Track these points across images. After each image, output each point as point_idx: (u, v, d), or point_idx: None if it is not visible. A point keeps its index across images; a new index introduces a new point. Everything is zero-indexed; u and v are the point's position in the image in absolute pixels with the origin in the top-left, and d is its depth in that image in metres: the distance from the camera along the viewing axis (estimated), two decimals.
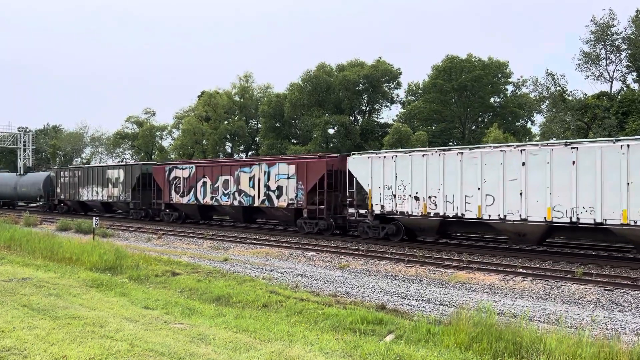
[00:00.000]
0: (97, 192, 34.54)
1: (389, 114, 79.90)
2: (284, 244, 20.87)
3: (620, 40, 30.38)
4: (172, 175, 28.88)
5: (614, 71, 31.33)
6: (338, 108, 43.47)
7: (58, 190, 38.37)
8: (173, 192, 28.81)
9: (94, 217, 22.20)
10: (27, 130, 68.22)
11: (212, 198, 26.72)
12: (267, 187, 24.00)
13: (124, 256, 15.26)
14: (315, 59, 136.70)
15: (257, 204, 24.57)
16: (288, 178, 23.18)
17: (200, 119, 51.23)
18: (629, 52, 30.29)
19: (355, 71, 42.42)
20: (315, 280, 14.13)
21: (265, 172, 24.14)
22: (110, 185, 33.43)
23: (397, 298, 12.06)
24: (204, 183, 27.06)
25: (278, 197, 23.61)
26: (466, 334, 7.58)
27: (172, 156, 54.27)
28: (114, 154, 66.09)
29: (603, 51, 30.92)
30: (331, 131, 43.16)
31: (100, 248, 15.99)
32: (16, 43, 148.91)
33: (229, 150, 52.84)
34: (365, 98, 45.13)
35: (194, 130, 49.59)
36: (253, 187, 24.65)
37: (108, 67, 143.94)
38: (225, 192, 25.93)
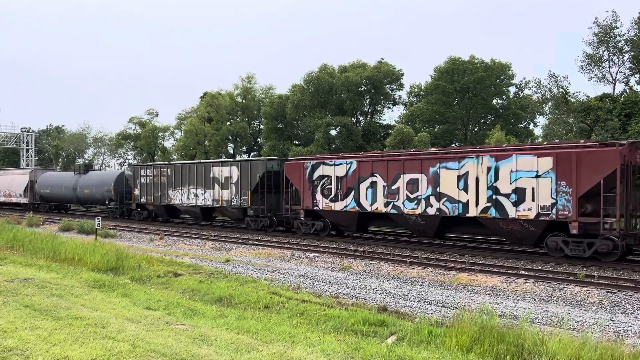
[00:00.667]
0: (195, 195, 28.20)
1: (391, 116, 79.86)
2: (285, 245, 20.87)
3: (623, 42, 30.34)
4: (317, 173, 22.51)
5: (616, 73, 31.29)
6: (340, 109, 43.50)
7: (137, 191, 31.75)
8: (319, 196, 22.47)
9: (96, 218, 22.16)
10: (30, 130, 68.42)
11: (387, 204, 20.13)
12: (495, 190, 17.34)
13: (126, 257, 15.28)
14: (316, 59, 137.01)
15: (472, 213, 17.90)
16: (537, 177, 16.46)
17: (202, 120, 51.33)
18: (632, 54, 30.24)
19: (358, 72, 42.45)
20: (317, 282, 14.13)
21: (489, 167, 17.48)
22: (216, 186, 27.15)
23: (398, 299, 12.05)
24: (373, 184, 20.62)
25: (516, 204, 16.88)
26: (468, 335, 7.57)
27: (175, 157, 54.33)
28: (117, 155, 66.26)
29: (606, 53, 30.88)
30: (333, 132, 43.19)
31: (102, 249, 16.02)
32: (17, 43, 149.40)
33: (231, 152, 52.94)
34: (368, 99, 45.14)
35: (196, 131, 49.66)
36: (465, 189, 18.05)
37: (109, 68, 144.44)
38: (412, 196, 19.43)
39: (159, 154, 57.85)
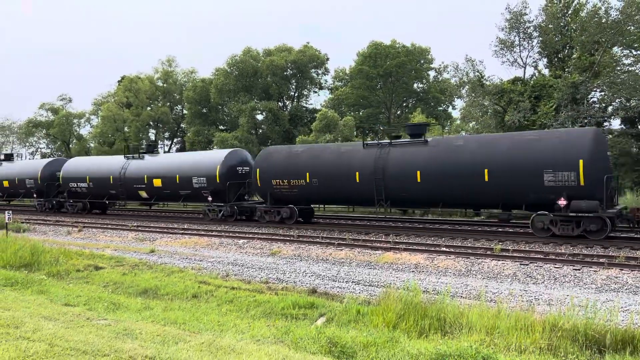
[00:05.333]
0: None
1: (317, 100, 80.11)
2: (213, 233, 20.52)
3: (532, 28, 32.08)
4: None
5: (526, 57, 33.05)
6: (266, 93, 43.11)
7: None
8: None
9: (6, 211, 20.66)
10: None
11: None
12: None
13: (41, 251, 14.42)
14: (240, 42, 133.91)
15: None
16: None
17: (120, 105, 49.04)
18: (540, 39, 32.07)
19: (283, 56, 42.16)
20: (247, 268, 14.04)
21: None
22: None
23: (328, 281, 12.22)
24: None
25: None
26: (394, 313, 7.82)
27: (92, 145, 51.71)
28: (28, 144, 61.98)
29: (517, 38, 32.51)
30: (259, 117, 42.76)
31: (15, 244, 15.00)
32: None
33: (153, 138, 51.07)
34: (294, 83, 45.02)
35: (114, 117, 47.39)
36: None
37: (11, 48, 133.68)
38: None
39: (74, 141, 54.78)
